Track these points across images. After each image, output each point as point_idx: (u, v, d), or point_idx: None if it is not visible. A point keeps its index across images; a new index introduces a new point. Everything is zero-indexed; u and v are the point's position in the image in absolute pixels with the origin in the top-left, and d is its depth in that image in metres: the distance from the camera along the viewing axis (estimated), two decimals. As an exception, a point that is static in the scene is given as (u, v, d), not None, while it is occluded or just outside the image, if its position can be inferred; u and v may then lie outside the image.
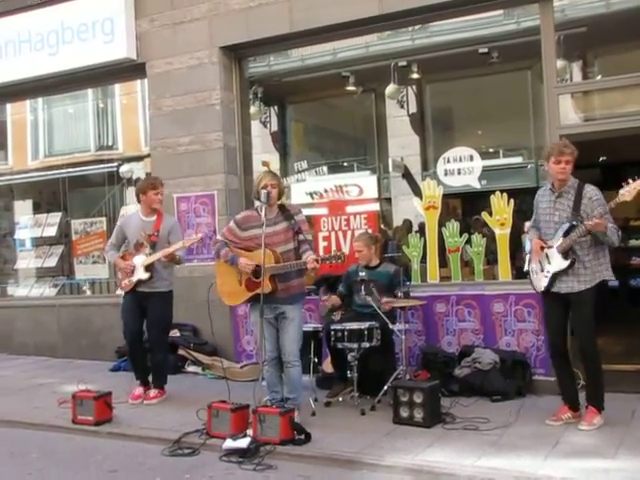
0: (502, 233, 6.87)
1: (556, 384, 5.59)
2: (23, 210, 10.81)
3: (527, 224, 5.85)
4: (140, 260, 6.44)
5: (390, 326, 6.12)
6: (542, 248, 5.26)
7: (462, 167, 7.43)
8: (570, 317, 5.37)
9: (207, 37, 8.16)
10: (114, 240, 6.74)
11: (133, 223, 6.65)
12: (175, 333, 8.00)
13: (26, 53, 9.20)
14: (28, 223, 10.43)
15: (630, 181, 4.86)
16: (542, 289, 5.34)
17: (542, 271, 5.31)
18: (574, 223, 5.08)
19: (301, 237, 5.50)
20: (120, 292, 6.73)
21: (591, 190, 5.16)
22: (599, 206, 5.04)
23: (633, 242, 13.04)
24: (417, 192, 8.01)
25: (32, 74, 9.18)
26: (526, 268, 5.54)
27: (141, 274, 6.43)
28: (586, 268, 5.14)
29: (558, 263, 5.18)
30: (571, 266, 5.13)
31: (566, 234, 5.12)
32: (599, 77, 7.55)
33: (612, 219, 5.08)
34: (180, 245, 6.37)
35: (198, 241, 6.86)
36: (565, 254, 5.14)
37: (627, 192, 4.84)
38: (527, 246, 5.56)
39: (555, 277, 5.22)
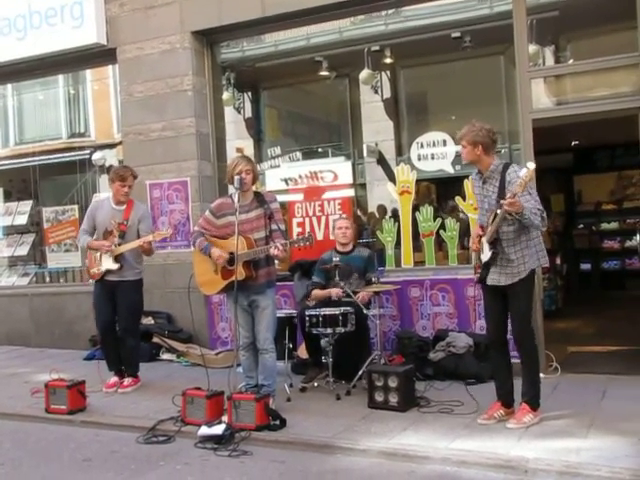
0: (476, 217, 6.88)
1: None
2: (-7, 198, 10.68)
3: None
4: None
5: (365, 311, 6.13)
6: (480, 237, 4.97)
7: (436, 152, 7.46)
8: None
9: (178, 22, 8.07)
10: (86, 226, 6.62)
11: (103, 210, 6.56)
12: (149, 321, 7.97)
13: (-7, 38, 9.03)
14: (-2, 211, 10.29)
15: (525, 169, 4.44)
16: (475, 280, 5.08)
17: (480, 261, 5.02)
18: (498, 210, 4.69)
19: (273, 226, 5.43)
20: (91, 280, 6.66)
21: (512, 172, 4.75)
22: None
23: (605, 226, 13.21)
24: (392, 177, 8.01)
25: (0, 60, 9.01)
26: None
27: (110, 264, 6.36)
28: (510, 261, 4.80)
29: (486, 253, 4.89)
30: (493, 258, 4.82)
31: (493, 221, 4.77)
32: (571, 61, 7.57)
33: (538, 200, 4.69)
34: (150, 238, 6.30)
35: (170, 235, 6.85)
36: (493, 244, 4.80)
37: (518, 185, 4.41)
38: None
39: (487, 268, 4.91)
